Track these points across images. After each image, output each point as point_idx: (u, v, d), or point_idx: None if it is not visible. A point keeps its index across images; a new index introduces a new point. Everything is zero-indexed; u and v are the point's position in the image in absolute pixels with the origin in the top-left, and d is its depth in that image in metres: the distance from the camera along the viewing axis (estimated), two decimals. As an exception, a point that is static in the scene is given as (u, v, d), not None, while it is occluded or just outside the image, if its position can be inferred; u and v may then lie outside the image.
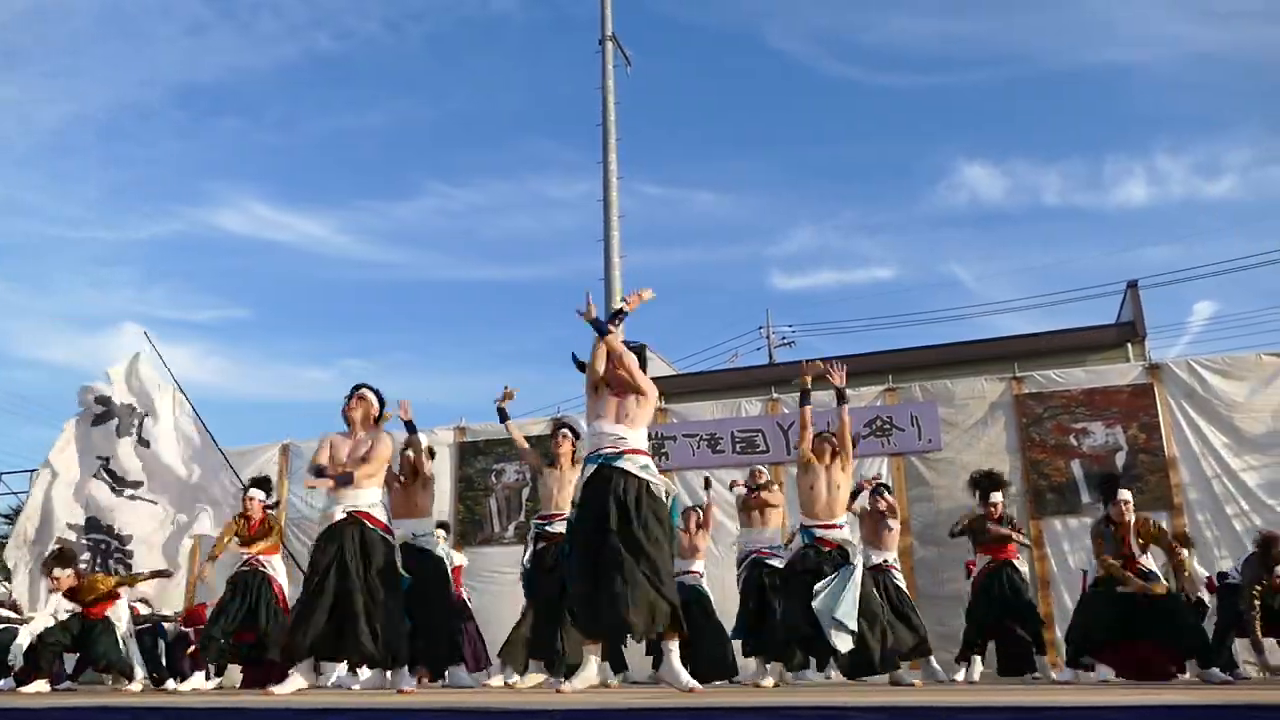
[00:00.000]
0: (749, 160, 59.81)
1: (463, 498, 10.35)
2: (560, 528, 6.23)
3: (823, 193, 60.21)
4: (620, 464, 4.54)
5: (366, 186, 57.27)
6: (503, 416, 7.02)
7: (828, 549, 5.82)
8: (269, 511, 7.64)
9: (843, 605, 5.49)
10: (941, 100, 57.12)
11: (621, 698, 3.60)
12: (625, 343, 4.94)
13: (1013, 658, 7.33)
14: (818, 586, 5.60)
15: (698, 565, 7.91)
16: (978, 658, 7.41)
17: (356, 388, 5.48)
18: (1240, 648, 7.05)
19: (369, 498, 5.32)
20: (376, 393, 5.55)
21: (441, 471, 10.40)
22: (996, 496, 7.52)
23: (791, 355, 23.62)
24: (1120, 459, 8.63)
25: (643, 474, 4.54)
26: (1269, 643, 6.62)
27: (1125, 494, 6.20)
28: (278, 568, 7.39)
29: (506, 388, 7.04)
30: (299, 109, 56.51)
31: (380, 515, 5.37)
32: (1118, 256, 53.87)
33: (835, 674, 6.50)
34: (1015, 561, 7.48)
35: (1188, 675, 6.13)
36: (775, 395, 9.94)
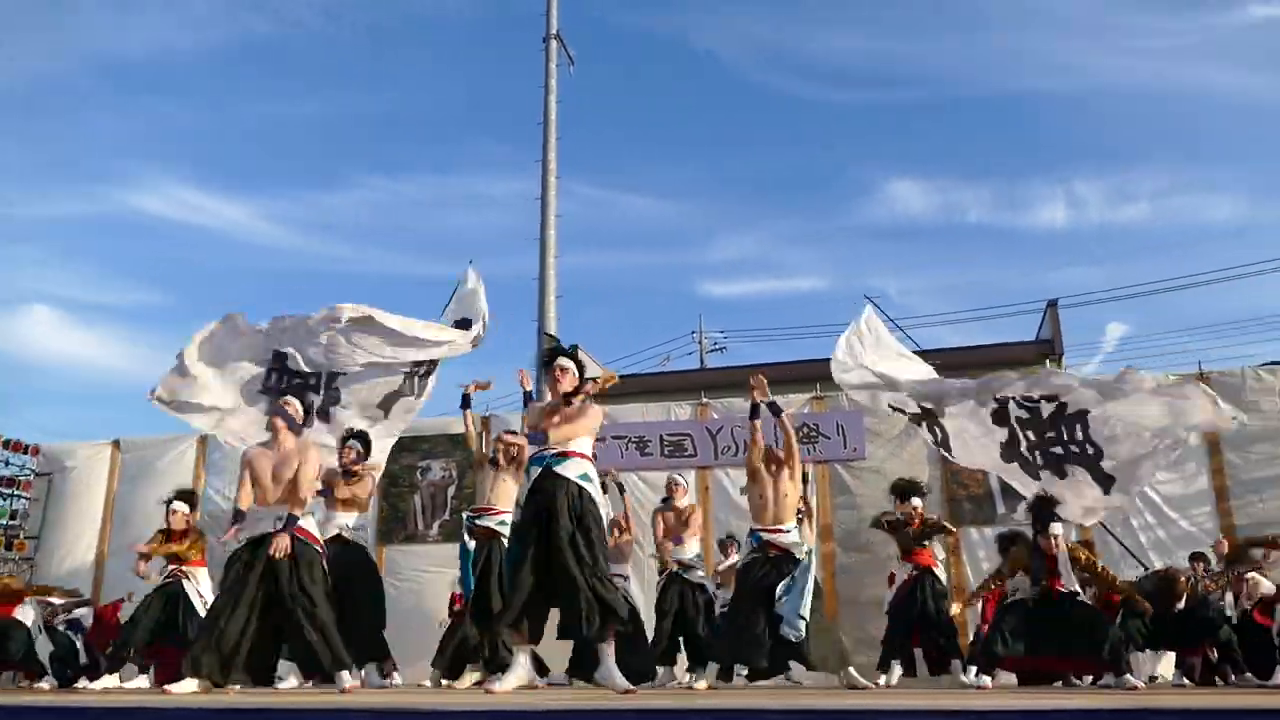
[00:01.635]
0: (683, 166, 60.22)
1: (386, 494, 10.20)
2: (489, 522, 6.53)
3: (754, 201, 60.89)
4: (560, 468, 4.76)
5: (296, 175, 56.19)
6: (465, 403, 6.99)
7: (774, 553, 6.01)
8: (191, 522, 7.33)
9: (802, 605, 5.72)
10: (872, 116, 58.28)
11: (623, 700, 3.63)
12: (561, 349, 5.40)
13: (935, 662, 7.52)
14: (779, 591, 5.80)
15: (624, 569, 7.93)
16: (897, 663, 7.56)
17: (281, 395, 5.40)
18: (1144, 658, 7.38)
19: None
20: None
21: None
22: (916, 501, 7.67)
23: (722, 361, 23.82)
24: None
25: (583, 483, 4.78)
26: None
27: (1057, 528, 6.32)
28: (202, 580, 7.13)
29: (481, 380, 7.05)
30: (230, 93, 55.19)
31: (310, 527, 5.33)
32: (1038, 276, 55.58)
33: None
34: (935, 570, 7.65)
35: (1091, 682, 6.35)
36: (705, 400, 10.01)
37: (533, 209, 15.40)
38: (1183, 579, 7.23)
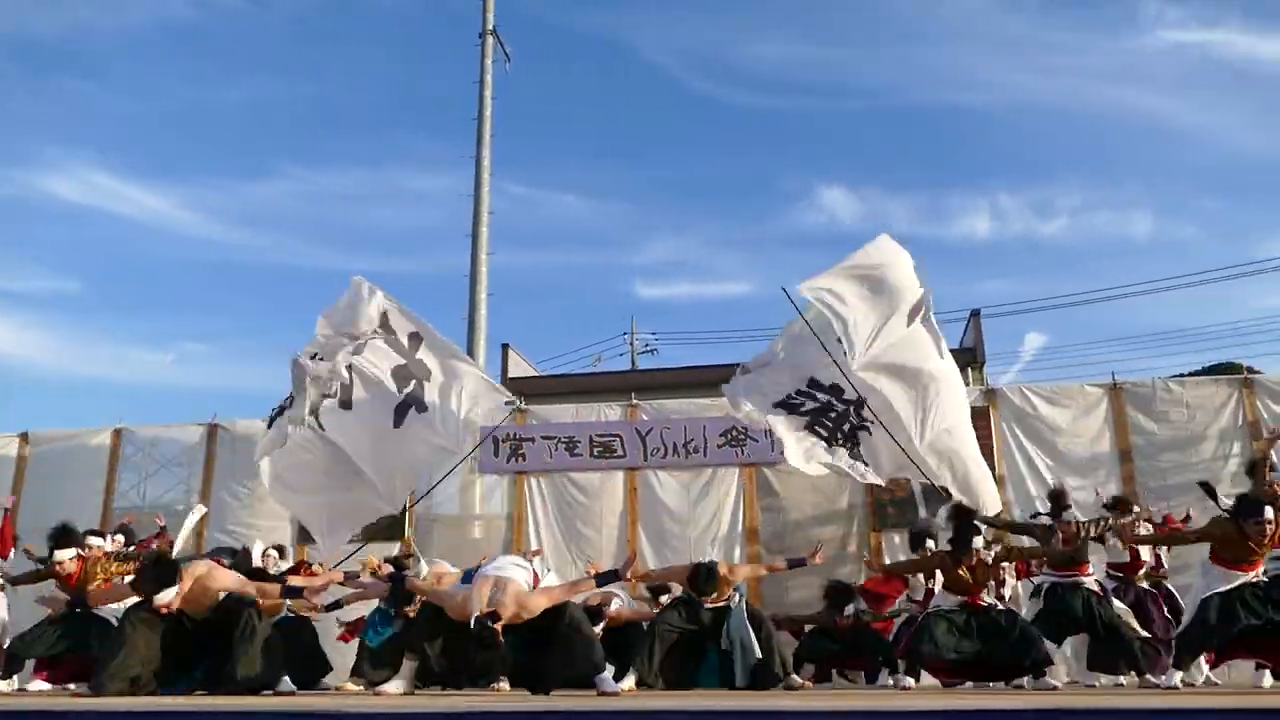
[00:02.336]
0: (616, 167, 60.22)
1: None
2: None
3: (685, 205, 61.17)
4: None
5: (219, 164, 54.51)
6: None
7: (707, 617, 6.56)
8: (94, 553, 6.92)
9: (747, 656, 6.28)
10: (803, 124, 59.00)
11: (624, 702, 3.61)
12: None
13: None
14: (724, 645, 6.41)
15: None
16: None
17: None
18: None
19: None
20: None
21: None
22: (931, 545, 7.53)
23: (654, 362, 23.89)
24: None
25: None
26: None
27: (979, 542, 6.47)
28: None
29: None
30: (149, 77, 53.42)
31: None
32: (962, 286, 56.97)
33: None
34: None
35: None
36: (635, 401, 10.03)
37: (465, 205, 15.27)
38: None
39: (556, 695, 4.29)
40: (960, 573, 6.37)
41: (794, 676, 6.41)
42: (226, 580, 5.36)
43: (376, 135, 53.13)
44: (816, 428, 7.57)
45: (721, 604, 6.57)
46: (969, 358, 13.55)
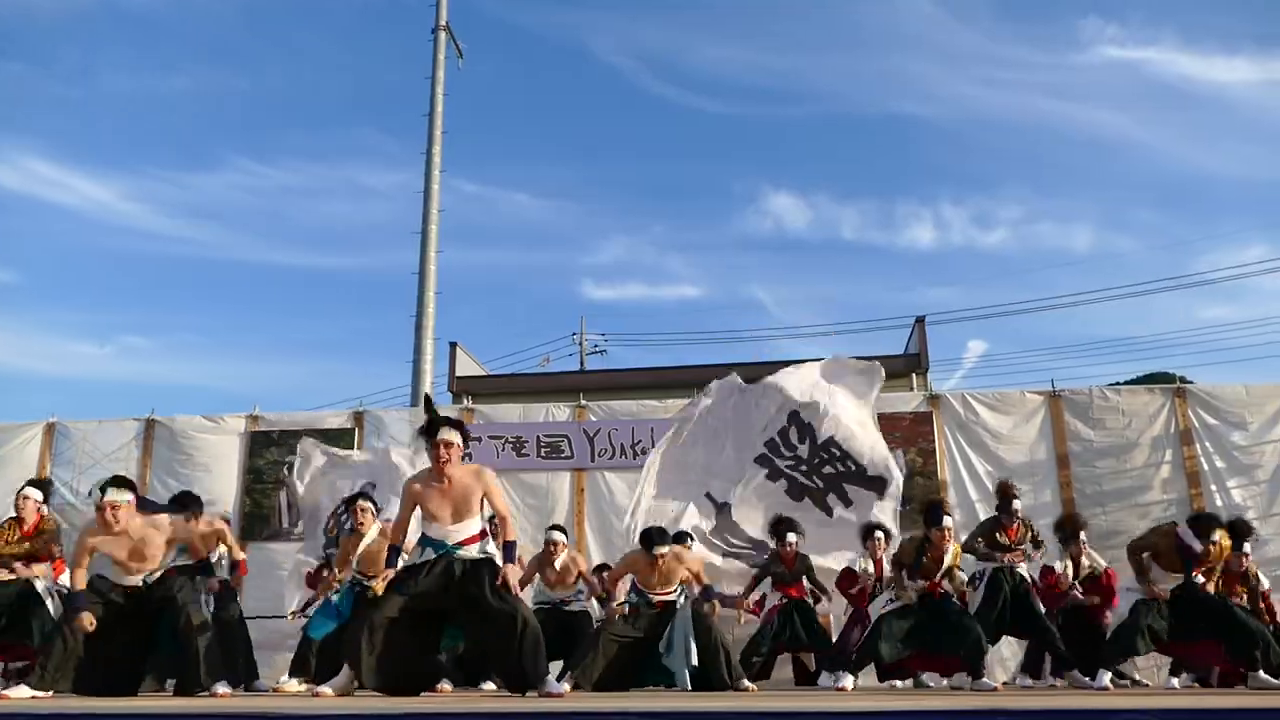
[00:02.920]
0: (568, 167, 60.17)
1: (250, 490, 9.83)
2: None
3: (636, 207, 61.37)
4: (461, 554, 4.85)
5: (163, 154, 53.46)
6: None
7: (658, 608, 6.49)
8: (45, 517, 6.73)
9: (689, 656, 6.18)
10: (756, 129, 59.52)
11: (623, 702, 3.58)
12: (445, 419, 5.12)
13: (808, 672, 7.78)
14: (660, 647, 6.30)
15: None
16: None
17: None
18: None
19: None
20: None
21: (229, 461, 9.88)
22: (791, 537, 7.59)
23: (603, 363, 23.87)
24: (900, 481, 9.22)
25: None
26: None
27: (949, 521, 6.52)
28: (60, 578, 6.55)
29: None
30: (94, 63, 52.22)
31: None
32: (907, 293, 57.82)
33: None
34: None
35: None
36: (584, 402, 10.01)
37: (415, 202, 15.11)
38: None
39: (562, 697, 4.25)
40: (927, 559, 6.41)
41: (744, 681, 6.38)
42: (171, 525, 5.32)
43: (327, 129, 52.52)
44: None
45: (670, 596, 6.52)
46: (914, 364, 13.78)
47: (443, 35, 16.07)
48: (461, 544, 4.83)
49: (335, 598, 6.44)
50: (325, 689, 4.63)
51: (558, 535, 7.72)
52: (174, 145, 51.98)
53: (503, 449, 9.72)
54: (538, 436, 9.78)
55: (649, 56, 54.63)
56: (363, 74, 48.61)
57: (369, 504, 6.72)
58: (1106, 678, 5.94)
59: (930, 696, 5.13)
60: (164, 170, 51.95)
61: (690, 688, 6.06)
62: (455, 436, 4.87)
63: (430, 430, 4.88)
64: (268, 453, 9.93)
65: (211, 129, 52.59)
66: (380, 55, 46.50)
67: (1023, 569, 6.84)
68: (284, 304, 58.49)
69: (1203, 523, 6.08)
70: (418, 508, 4.93)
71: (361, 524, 6.60)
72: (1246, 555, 6.73)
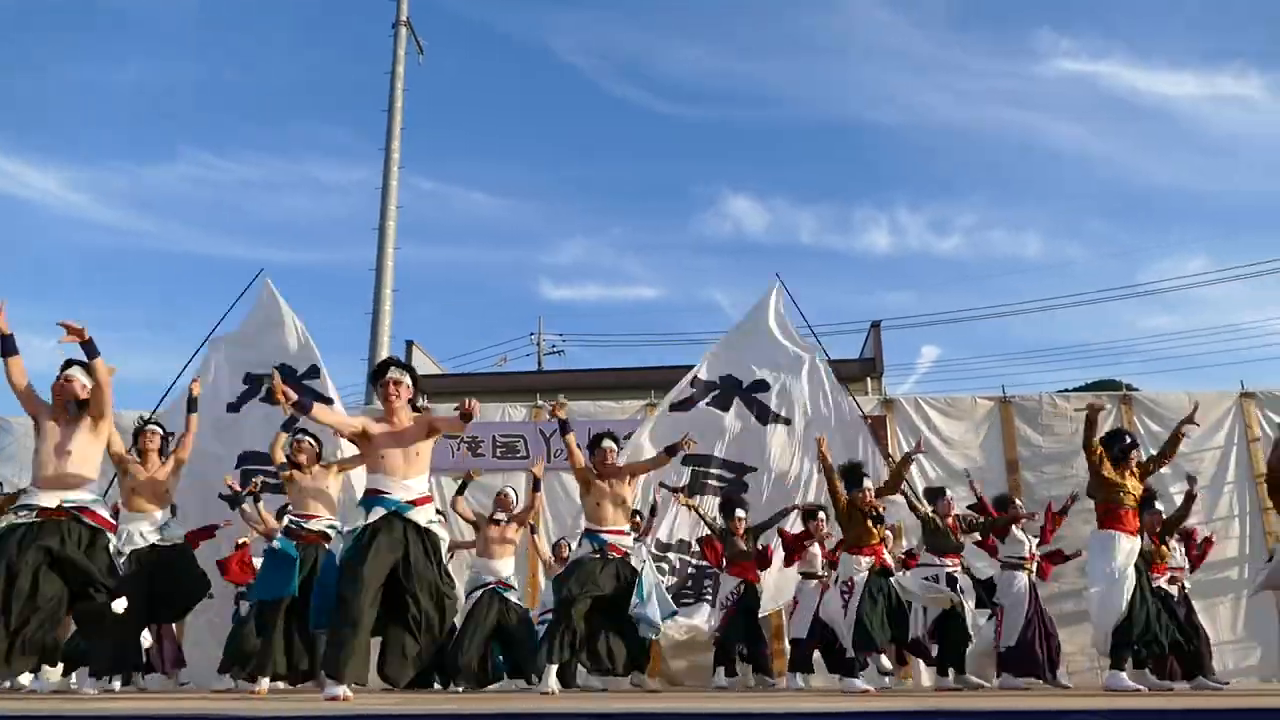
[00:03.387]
0: (528, 166, 60.02)
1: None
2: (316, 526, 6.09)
3: (595, 207, 61.41)
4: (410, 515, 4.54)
5: (114, 144, 52.45)
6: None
7: (615, 555, 5.91)
8: None
9: (652, 605, 5.76)
10: (714, 132, 59.88)
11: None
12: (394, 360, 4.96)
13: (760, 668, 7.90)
14: (634, 599, 5.74)
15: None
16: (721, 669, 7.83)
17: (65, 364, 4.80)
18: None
19: (91, 493, 4.65)
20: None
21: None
22: (740, 513, 7.94)
23: (560, 364, 23.80)
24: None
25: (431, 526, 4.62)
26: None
27: (868, 482, 6.61)
28: None
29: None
30: (44, 49, 51.03)
31: (102, 511, 4.68)
32: (862, 298, 58.44)
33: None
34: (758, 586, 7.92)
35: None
36: (540, 402, 9.98)
37: (373, 198, 14.97)
38: None
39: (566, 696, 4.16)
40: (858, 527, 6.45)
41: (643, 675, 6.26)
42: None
43: (284, 123, 51.82)
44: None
45: (622, 533, 6.04)
46: (869, 368, 13.93)
47: (404, 30, 15.93)
48: (414, 503, 4.55)
49: (278, 545, 5.89)
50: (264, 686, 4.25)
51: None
52: (126, 135, 51.02)
53: (457, 449, 9.66)
54: (493, 436, 9.74)
55: (610, 57, 54.72)
56: (321, 68, 48.11)
57: (308, 439, 6.26)
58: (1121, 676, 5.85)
59: (928, 697, 5.17)
60: (114, 160, 50.98)
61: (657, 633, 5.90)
62: (404, 376, 4.69)
63: (379, 371, 4.73)
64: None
65: (165, 120, 51.70)
66: (340, 49, 46.06)
67: (958, 571, 7.06)
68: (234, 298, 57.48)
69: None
70: (365, 449, 4.65)
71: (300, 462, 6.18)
72: None
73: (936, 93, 55.82)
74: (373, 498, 4.52)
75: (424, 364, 15.43)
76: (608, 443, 6.25)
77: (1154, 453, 6.59)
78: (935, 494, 7.37)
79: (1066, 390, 13.23)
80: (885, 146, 59.12)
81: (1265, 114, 53.89)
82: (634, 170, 58.33)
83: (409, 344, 15.07)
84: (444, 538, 4.74)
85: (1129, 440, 6.29)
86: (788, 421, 8.72)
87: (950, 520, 7.19)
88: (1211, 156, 54.42)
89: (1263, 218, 56.67)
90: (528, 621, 7.35)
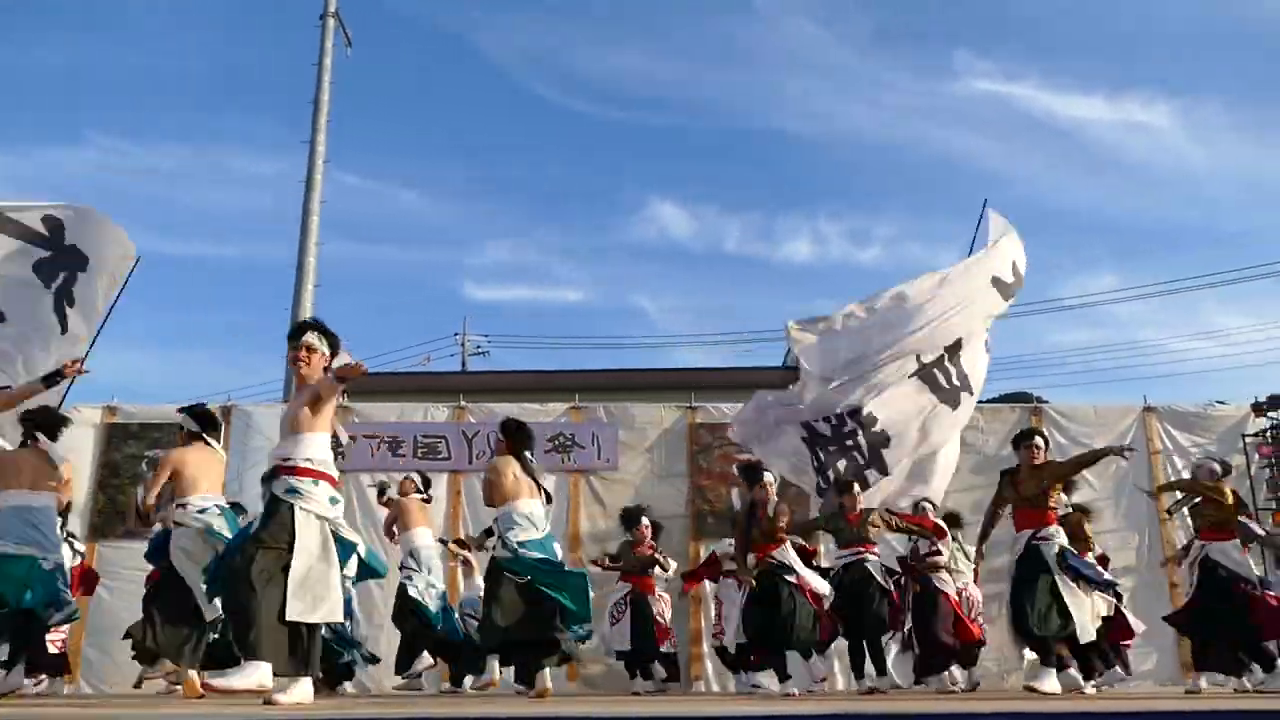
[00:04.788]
0: (455, 165, 59.47)
1: (105, 485, 9.34)
2: None
3: (523, 209, 61.09)
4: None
5: (24, 129, 50.32)
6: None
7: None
8: None
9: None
10: (641, 137, 60.17)
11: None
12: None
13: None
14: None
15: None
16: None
17: None
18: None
19: None
20: None
21: (83, 455, 9.32)
22: (645, 520, 8.02)
23: (485, 365, 23.62)
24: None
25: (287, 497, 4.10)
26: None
27: (769, 476, 6.66)
28: None
29: None
30: (-54, 23, 48.70)
31: None
32: (788, 305, 59.29)
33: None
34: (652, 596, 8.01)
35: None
36: (463, 403, 9.89)
37: (295, 192, 14.75)
38: None
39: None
40: (758, 529, 6.46)
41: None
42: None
43: (203, 111, 50.37)
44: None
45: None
46: (791, 376, 14.07)
47: (331, 22, 15.66)
48: (277, 471, 4.15)
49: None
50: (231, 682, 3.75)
51: None
52: (35, 120, 49.04)
53: (378, 449, 9.53)
54: (415, 437, 9.62)
55: (539, 58, 54.56)
56: (246, 56, 46.92)
57: None
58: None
59: (922, 699, 5.22)
60: (22, 145, 48.95)
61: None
62: (320, 343, 4.32)
63: (293, 333, 4.37)
64: (126, 446, 9.48)
65: (76, 104, 49.85)
66: (266, 38, 44.98)
67: (874, 560, 7.07)
68: (148, 291, 55.82)
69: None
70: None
71: None
72: None
73: (859, 106, 57.02)
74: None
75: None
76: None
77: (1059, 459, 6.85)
78: (844, 487, 7.24)
79: (981, 402, 13.58)
80: (809, 157, 60.17)
81: (1170, 141, 56.34)
82: (562, 173, 58.27)
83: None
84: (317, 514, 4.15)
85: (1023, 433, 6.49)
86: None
87: (856, 514, 7.10)
88: (1120, 180, 56.67)
89: (1166, 240, 59.21)
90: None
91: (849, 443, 7.64)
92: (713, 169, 58.61)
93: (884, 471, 7.64)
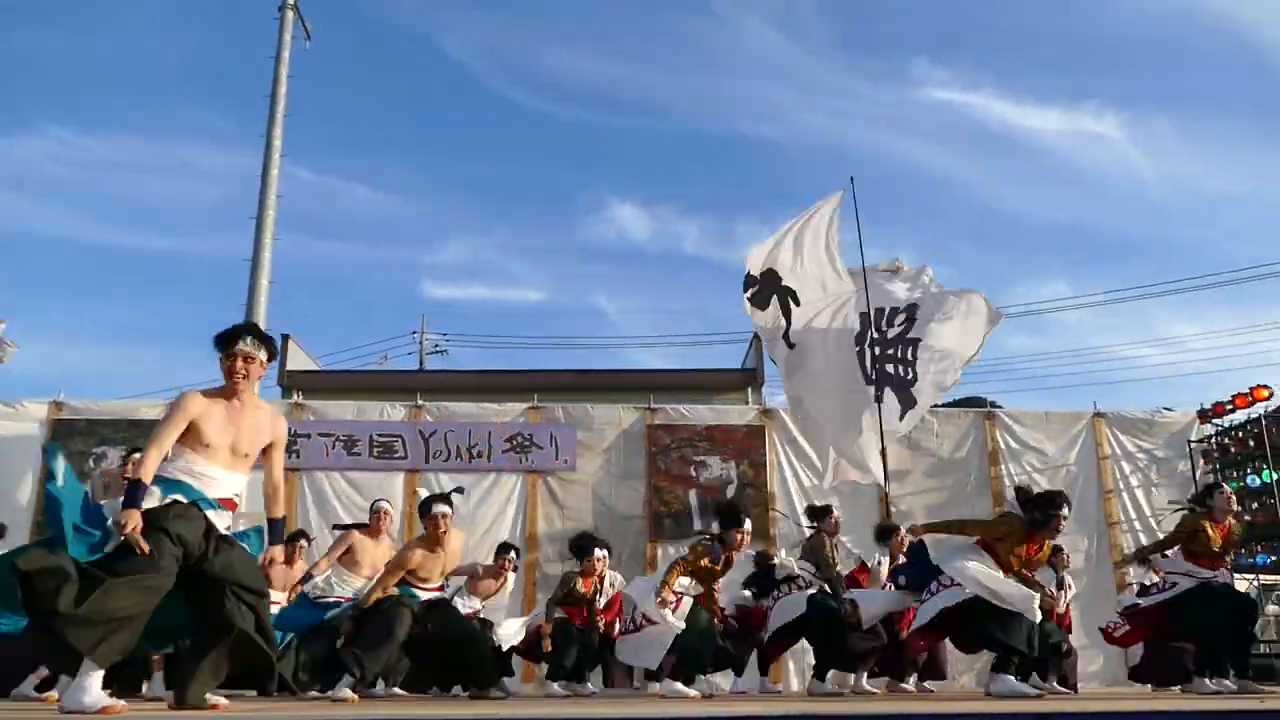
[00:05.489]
0: (414, 163, 59.07)
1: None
2: None
3: (480, 207, 60.83)
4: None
5: (-33, 112, 48.89)
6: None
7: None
8: None
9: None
10: (601, 138, 60.20)
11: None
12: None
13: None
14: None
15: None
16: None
17: None
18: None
19: None
20: None
21: (25, 453, 9.08)
22: (599, 552, 7.12)
23: (443, 364, 23.43)
24: (731, 491, 9.48)
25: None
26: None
27: (748, 524, 6.51)
28: None
29: None
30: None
31: None
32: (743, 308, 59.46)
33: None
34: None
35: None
36: (421, 402, 9.81)
37: (250, 186, 14.48)
38: None
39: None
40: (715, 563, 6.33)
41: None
42: None
43: (157, 102, 49.45)
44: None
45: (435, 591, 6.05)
46: (749, 378, 14.18)
47: (290, 14, 15.47)
48: (220, 502, 3.78)
49: None
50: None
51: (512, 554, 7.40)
52: (-21, 105, 47.74)
53: (333, 447, 9.42)
54: (371, 435, 9.52)
55: (500, 57, 54.33)
56: (199, 46, 46.06)
57: None
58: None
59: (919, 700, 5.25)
60: (-35, 130, 47.63)
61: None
62: (260, 351, 3.86)
63: (227, 340, 3.82)
64: (74, 443, 9.25)
65: (24, 91, 48.65)
66: (219, 28, 44.22)
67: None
68: (96, 284, 54.66)
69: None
70: (189, 430, 3.75)
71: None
72: None
73: (818, 112, 57.52)
74: (176, 482, 3.74)
75: (301, 359, 14.95)
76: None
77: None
78: (821, 512, 7.26)
79: (935, 406, 13.76)
80: (768, 161, 60.55)
81: (1119, 152, 57.51)
82: (521, 172, 58.06)
83: (285, 337, 14.56)
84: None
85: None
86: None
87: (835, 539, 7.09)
88: (1072, 189, 57.73)
89: (1116, 249, 60.40)
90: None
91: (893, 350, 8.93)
92: (672, 171, 58.83)
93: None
